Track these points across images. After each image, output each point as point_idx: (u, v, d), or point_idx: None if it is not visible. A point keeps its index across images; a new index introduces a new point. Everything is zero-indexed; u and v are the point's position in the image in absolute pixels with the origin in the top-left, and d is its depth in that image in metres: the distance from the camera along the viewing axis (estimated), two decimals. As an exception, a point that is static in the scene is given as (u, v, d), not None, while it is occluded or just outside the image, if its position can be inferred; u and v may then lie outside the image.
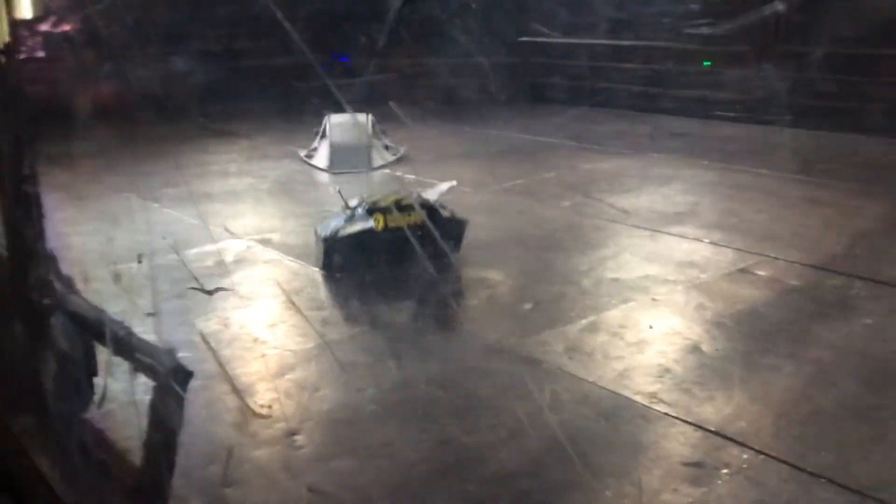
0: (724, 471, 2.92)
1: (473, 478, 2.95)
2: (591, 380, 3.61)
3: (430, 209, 4.87)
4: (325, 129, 8.21)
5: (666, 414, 3.31)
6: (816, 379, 3.56)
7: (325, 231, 4.93)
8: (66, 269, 2.88)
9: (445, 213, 5.07)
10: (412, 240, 4.46)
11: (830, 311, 4.28)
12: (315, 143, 8.34)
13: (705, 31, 9.59)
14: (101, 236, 5.54)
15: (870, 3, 8.57)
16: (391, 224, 4.79)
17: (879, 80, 8.90)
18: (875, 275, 4.75)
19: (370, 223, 4.79)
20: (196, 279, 4.45)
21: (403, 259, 4.52)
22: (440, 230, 4.84)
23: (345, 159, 7.78)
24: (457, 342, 4.07)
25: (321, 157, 8.03)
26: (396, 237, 4.64)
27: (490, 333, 4.13)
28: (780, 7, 9.22)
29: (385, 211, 4.81)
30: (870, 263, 4.95)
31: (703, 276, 4.82)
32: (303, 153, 8.34)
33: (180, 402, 2.49)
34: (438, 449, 3.12)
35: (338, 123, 8.05)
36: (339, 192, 5.23)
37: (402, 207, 4.84)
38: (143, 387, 2.96)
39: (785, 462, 2.95)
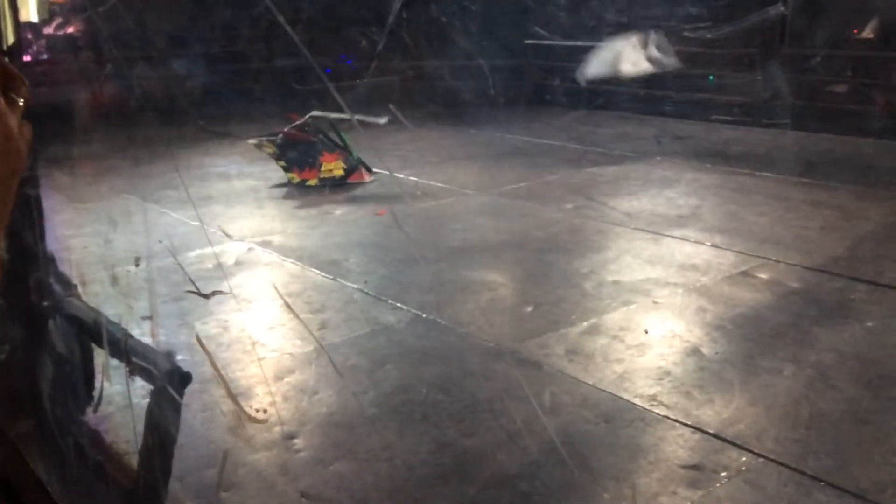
0: (723, 474, 2.91)
1: (472, 481, 2.94)
2: (590, 382, 3.60)
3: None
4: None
5: (665, 417, 3.30)
6: (816, 382, 3.54)
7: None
8: (64, 271, 2.88)
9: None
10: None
11: (831, 315, 4.26)
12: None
13: (708, 35, 9.60)
14: (100, 238, 5.56)
15: (875, 5, 8.57)
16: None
17: (885, 82, 8.89)
18: (876, 278, 4.73)
19: None
20: (193, 283, 4.45)
21: None
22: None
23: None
24: (457, 345, 4.06)
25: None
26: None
27: (491, 336, 4.13)
28: (783, 9, 9.22)
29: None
30: (871, 266, 4.93)
31: (704, 279, 4.81)
32: None
33: (177, 405, 2.49)
34: (438, 452, 3.12)
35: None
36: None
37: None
38: (141, 390, 2.97)
39: (784, 465, 2.94)
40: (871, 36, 8.79)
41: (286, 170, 7.37)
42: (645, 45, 7.81)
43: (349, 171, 7.42)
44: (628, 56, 7.80)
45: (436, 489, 2.92)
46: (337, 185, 7.26)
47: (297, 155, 7.39)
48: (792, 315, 4.28)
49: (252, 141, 7.56)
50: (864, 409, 3.32)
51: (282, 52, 11.00)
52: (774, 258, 5.10)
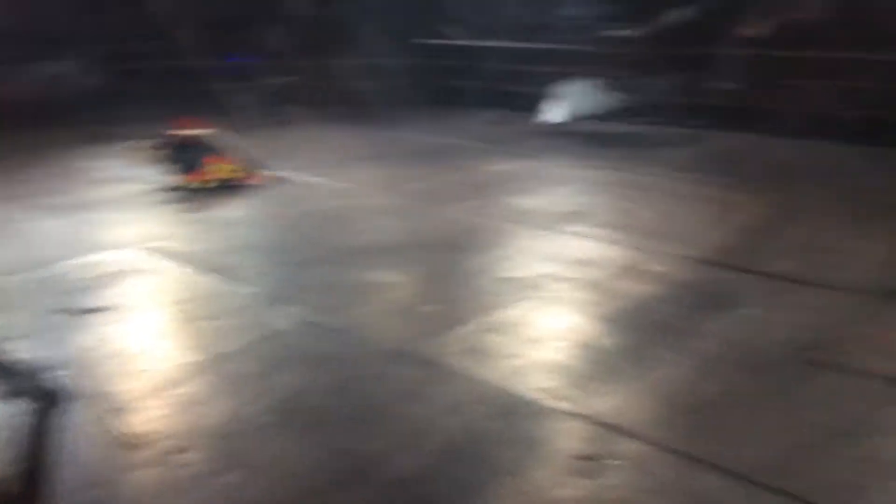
0: (616, 462, 2.97)
1: (370, 485, 2.90)
2: (488, 379, 3.62)
3: None
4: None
5: (561, 409, 3.35)
6: (702, 369, 3.68)
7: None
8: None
9: None
10: None
11: (715, 304, 4.43)
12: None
13: (616, 34, 9.88)
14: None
15: (780, 6, 9.00)
16: None
17: (787, 82, 9.33)
18: (757, 267, 4.96)
19: None
20: (72, 294, 4.22)
21: None
22: None
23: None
24: (354, 348, 4.01)
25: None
26: None
27: (388, 337, 4.09)
28: (690, 12, 9.58)
29: None
30: (753, 257, 5.17)
31: (598, 274, 4.92)
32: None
33: (54, 425, 2.35)
34: (334, 458, 3.06)
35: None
36: None
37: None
38: (18, 409, 2.80)
39: (674, 451, 3.04)
40: (755, 34, 9.21)
41: (180, 172, 7.12)
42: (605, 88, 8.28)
43: (244, 173, 7.25)
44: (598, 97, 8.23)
45: (332, 496, 2.86)
46: (231, 187, 7.06)
47: (190, 157, 7.15)
48: (679, 306, 4.43)
49: (138, 143, 7.38)
50: (746, 392, 3.47)
51: (174, 52, 10.66)
52: (663, 251, 5.27)
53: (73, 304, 4.34)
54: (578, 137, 9.28)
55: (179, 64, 10.40)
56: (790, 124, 8.80)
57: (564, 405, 3.38)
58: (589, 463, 2.98)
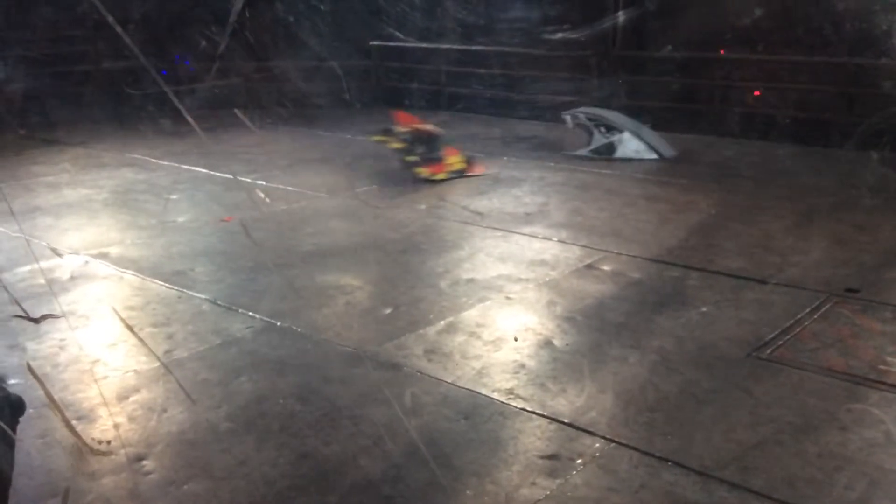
0: (579, 461, 3.01)
1: (334, 490, 2.89)
2: (450, 381, 3.64)
3: None
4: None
5: (522, 409, 3.38)
6: (660, 367, 3.75)
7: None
8: None
9: None
10: None
11: (670, 302, 4.53)
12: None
13: (554, 36, 9.97)
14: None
15: (720, 10, 9.19)
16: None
17: (710, 82, 9.56)
18: (708, 265, 5.08)
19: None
20: (19, 304, 4.09)
21: None
22: None
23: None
24: (314, 352, 3.98)
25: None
26: None
27: (349, 341, 4.07)
28: (626, 15, 9.72)
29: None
30: (702, 255, 5.29)
31: (553, 274, 4.98)
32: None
33: (9, 436, 2.28)
34: (297, 463, 3.04)
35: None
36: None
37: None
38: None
39: (635, 448, 3.09)
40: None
41: (416, 165, 7.40)
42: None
43: (468, 164, 7.62)
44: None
45: (296, 502, 2.84)
46: (459, 178, 7.45)
47: (425, 150, 7.50)
48: (634, 304, 4.51)
49: (376, 137, 7.81)
50: (703, 389, 3.55)
51: (112, 54, 10.41)
52: (616, 251, 5.36)
53: (28, 312, 4.21)
54: (527, 141, 9.37)
55: (115, 66, 10.18)
56: (732, 125, 9.05)
57: (526, 405, 3.42)
58: (553, 462, 3.01)
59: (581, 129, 8.56)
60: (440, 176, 7.41)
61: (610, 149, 8.27)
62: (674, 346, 3.97)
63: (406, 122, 7.72)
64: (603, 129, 8.38)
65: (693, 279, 4.88)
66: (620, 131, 8.29)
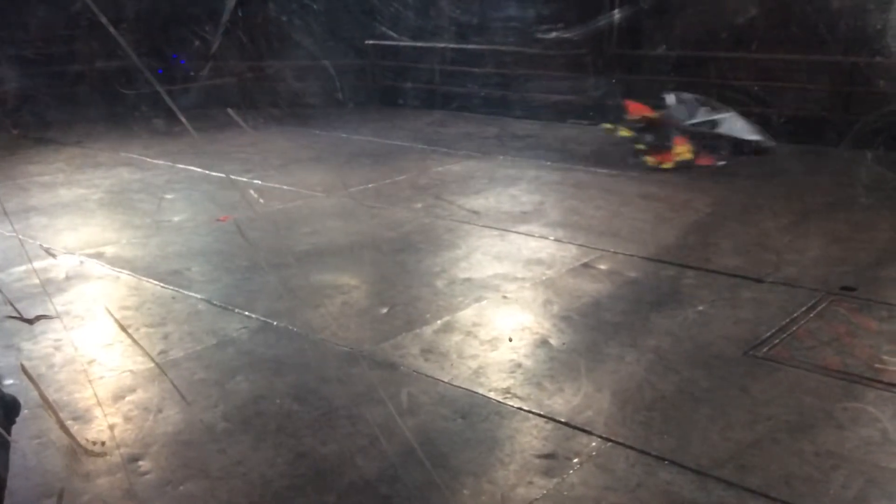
0: (575, 460, 3.01)
1: (331, 489, 2.88)
2: (446, 380, 3.63)
3: None
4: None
5: (519, 409, 3.38)
6: (657, 366, 3.75)
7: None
8: None
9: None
10: None
11: (666, 301, 4.53)
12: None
13: (549, 35, 9.96)
14: None
15: (715, 8, 9.20)
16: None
17: (704, 80, 9.55)
18: (704, 264, 5.09)
19: None
20: (13, 305, 4.07)
21: None
22: None
23: None
24: (311, 352, 3.97)
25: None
26: None
27: (345, 340, 4.06)
28: (621, 13, 9.72)
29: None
30: (699, 254, 5.29)
31: (550, 273, 4.97)
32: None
33: (4, 441, 2.27)
34: (295, 463, 3.03)
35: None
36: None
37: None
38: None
39: (631, 447, 3.09)
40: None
41: (644, 153, 7.42)
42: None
43: (696, 155, 7.55)
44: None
45: (293, 502, 2.83)
46: (688, 168, 7.44)
47: (653, 139, 7.50)
48: (631, 303, 4.51)
49: (607, 125, 8.06)
50: (699, 388, 3.55)
51: (106, 53, 10.38)
52: (612, 250, 5.36)
53: (23, 312, 4.19)
54: (523, 139, 9.37)
55: (109, 65, 10.15)
56: None
57: (523, 404, 3.41)
58: (550, 462, 3.01)
59: (683, 105, 8.51)
60: (667, 165, 7.42)
61: (713, 125, 8.22)
62: (670, 344, 3.97)
63: (636, 111, 7.76)
64: (708, 108, 8.34)
65: (690, 278, 4.88)
66: (728, 110, 8.26)
